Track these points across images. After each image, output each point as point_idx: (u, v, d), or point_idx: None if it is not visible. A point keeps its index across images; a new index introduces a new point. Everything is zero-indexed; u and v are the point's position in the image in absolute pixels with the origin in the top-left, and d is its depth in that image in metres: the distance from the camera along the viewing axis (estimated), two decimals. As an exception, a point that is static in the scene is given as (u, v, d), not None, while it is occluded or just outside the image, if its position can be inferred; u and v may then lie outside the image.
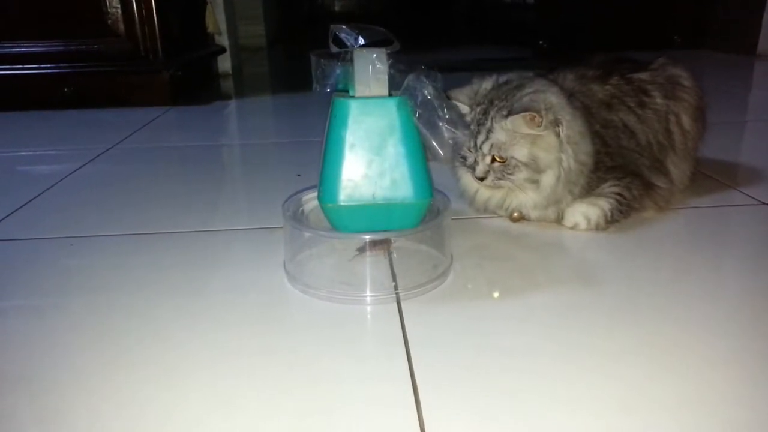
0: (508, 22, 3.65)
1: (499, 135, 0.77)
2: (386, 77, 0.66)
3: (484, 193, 0.84)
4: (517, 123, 0.76)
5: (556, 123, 0.77)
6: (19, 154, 1.39)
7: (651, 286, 0.69)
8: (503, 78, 0.84)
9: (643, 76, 0.92)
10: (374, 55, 0.64)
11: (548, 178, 0.79)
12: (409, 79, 0.64)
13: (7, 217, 0.95)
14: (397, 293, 0.65)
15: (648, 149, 0.89)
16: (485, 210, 0.87)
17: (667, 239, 0.83)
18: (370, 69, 0.64)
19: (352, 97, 0.66)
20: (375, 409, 0.49)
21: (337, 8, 6.21)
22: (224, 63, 2.43)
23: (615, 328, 0.60)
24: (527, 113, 0.75)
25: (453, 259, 0.73)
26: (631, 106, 0.89)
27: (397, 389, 0.51)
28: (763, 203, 0.93)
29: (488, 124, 0.78)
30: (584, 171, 0.80)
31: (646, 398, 0.49)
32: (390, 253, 0.72)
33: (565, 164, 0.78)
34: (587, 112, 0.84)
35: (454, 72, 2.32)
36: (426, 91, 0.64)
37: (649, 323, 0.61)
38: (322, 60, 0.65)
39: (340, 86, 0.67)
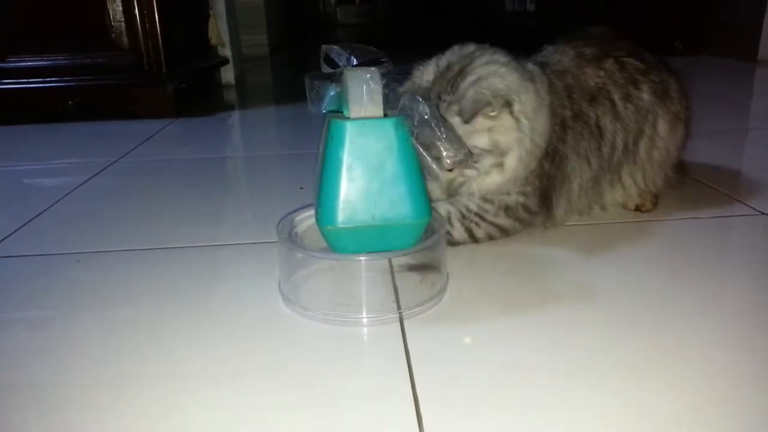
0: (510, 29, 3.66)
1: (456, 130, 0.75)
2: (381, 97, 0.66)
3: (448, 174, 0.81)
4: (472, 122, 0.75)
5: (507, 104, 0.75)
6: (25, 167, 1.40)
7: (650, 299, 0.69)
8: (443, 62, 0.80)
9: (639, 65, 0.90)
10: (368, 76, 0.65)
11: (511, 160, 0.78)
12: (405, 99, 0.65)
13: (14, 232, 0.96)
14: (400, 313, 0.66)
15: (609, 154, 0.87)
16: (451, 193, 0.86)
17: (667, 250, 0.83)
18: (365, 89, 0.65)
19: (348, 118, 0.67)
20: (378, 426, 0.50)
21: (339, 16, 6.23)
22: (227, 74, 2.45)
23: (613, 342, 0.60)
24: (478, 109, 0.73)
25: (449, 277, 0.73)
26: (614, 100, 0.87)
27: (399, 408, 0.52)
28: (764, 214, 0.93)
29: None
30: (537, 154, 0.79)
31: (645, 413, 0.50)
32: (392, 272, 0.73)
33: (525, 144, 0.77)
34: (567, 94, 0.82)
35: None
36: (422, 111, 0.65)
37: (648, 337, 0.61)
38: (316, 81, 0.66)
39: (334, 107, 0.68)
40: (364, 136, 0.66)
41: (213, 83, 2.37)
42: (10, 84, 1.79)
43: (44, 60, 1.79)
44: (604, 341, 0.61)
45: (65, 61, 1.80)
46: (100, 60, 1.80)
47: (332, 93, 0.66)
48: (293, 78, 2.81)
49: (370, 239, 0.67)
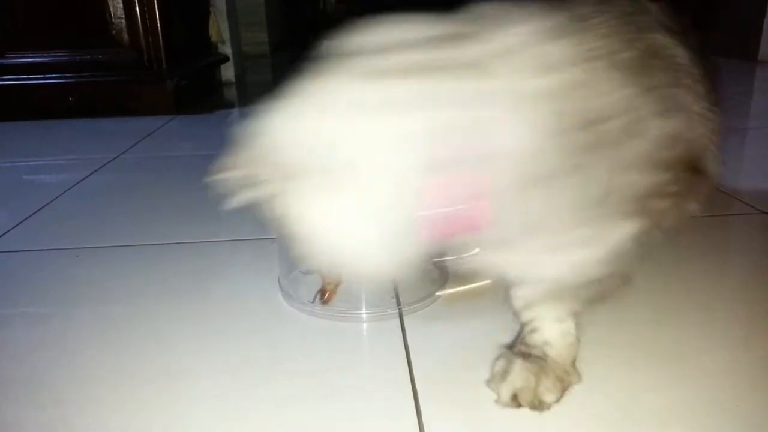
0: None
1: None
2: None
3: None
4: None
5: None
6: (25, 163, 1.40)
7: (649, 298, 0.69)
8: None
9: None
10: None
11: None
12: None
13: (14, 228, 0.96)
14: (399, 308, 0.66)
15: None
16: None
17: (664, 248, 0.82)
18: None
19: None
20: (377, 421, 0.50)
21: (340, 16, 6.23)
22: (227, 71, 2.45)
23: (611, 339, 0.60)
24: None
25: (449, 273, 0.73)
26: None
27: (398, 402, 0.52)
28: (764, 212, 0.93)
29: None
30: None
31: (643, 412, 0.50)
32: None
33: None
34: None
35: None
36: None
37: (647, 335, 0.61)
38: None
39: None
40: (364, 132, 0.65)
41: (213, 81, 2.36)
42: (9, 80, 1.79)
43: (44, 56, 1.79)
44: (602, 339, 0.61)
45: (65, 58, 1.80)
46: (100, 57, 1.80)
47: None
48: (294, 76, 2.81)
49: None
